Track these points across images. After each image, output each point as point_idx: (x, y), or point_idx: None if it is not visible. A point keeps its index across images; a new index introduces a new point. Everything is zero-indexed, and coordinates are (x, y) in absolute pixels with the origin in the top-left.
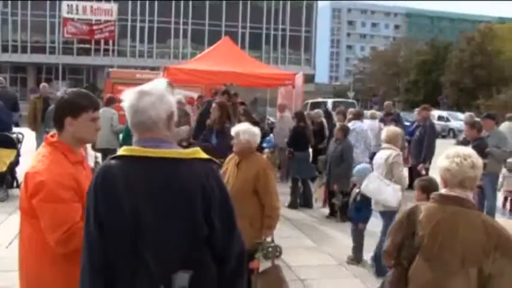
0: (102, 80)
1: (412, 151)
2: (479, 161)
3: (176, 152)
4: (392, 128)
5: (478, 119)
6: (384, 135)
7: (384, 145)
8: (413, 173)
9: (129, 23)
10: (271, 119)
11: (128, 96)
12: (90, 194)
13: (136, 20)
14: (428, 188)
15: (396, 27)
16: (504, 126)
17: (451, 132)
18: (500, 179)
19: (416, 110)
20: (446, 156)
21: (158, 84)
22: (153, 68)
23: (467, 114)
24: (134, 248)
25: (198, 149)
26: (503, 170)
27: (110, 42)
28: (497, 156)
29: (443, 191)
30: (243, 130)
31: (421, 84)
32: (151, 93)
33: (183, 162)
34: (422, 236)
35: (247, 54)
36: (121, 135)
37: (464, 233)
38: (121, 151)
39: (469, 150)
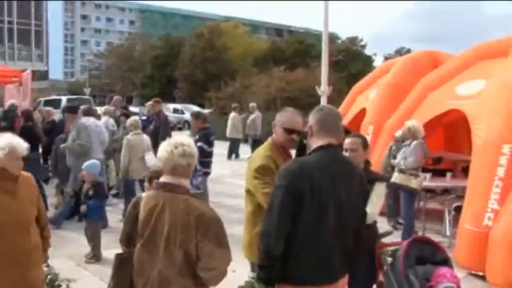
0: None
1: None
2: (192, 149)
3: None
4: None
5: (205, 111)
6: None
7: None
8: None
9: None
10: None
11: None
12: None
13: None
14: (156, 178)
15: (131, 22)
16: (231, 115)
17: (186, 124)
18: None
19: (147, 104)
20: (162, 145)
21: None
22: None
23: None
24: None
25: None
26: None
27: None
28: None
29: (161, 178)
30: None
31: (157, 79)
32: None
33: None
34: (140, 221)
35: None
36: None
37: (170, 216)
38: None
39: (183, 139)
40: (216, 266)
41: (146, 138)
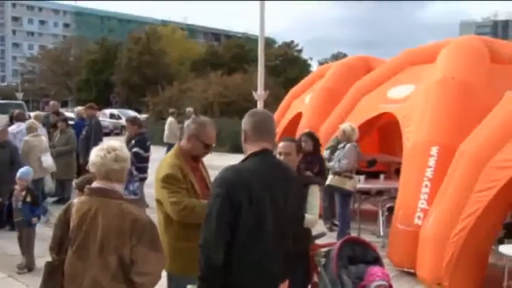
0: None
1: (80, 149)
2: (124, 153)
3: None
4: None
5: (142, 116)
6: None
7: None
8: (82, 170)
9: None
10: None
11: None
12: None
13: None
14: (84, 185)
15: (66, 25)
16: (168, 120)
17: (123, 129)
18: None
19: (77, 108)
20: (94, 150)
21: None
22: None
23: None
24: None
25: None
26: None
27: None
28: None
29: (93, 183)
30: None
31: (93, 83)
32: None
33: None
34: (72, 227)
35: None
36: None
37: (103, 221)
38: None
39: (115, 143)
40: (150, 271)
41: (44, 139)
